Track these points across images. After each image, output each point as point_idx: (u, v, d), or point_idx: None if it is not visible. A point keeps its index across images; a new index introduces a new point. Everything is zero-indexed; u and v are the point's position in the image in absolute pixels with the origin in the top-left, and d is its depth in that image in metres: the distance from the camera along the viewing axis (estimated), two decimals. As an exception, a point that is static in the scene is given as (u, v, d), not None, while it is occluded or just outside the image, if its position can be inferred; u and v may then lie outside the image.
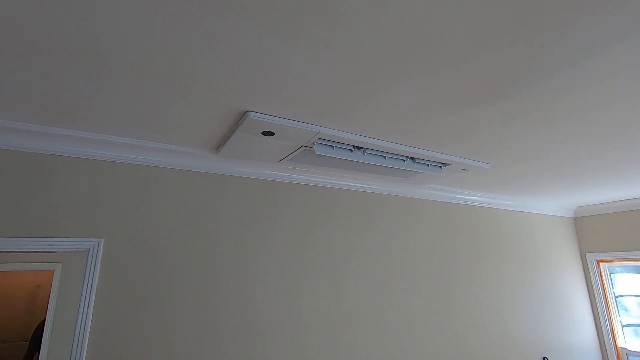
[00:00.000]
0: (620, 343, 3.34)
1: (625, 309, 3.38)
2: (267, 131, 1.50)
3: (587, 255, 3.63)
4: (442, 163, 2.04)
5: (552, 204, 3.52)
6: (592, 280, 3.54)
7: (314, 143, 1.64)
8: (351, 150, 1.75)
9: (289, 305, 1.94)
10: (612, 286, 3.48)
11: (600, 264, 3.56)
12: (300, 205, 2.14)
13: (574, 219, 3.81)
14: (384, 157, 1.85)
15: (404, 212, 2.58)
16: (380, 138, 1.70)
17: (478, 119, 1.50)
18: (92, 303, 1.51)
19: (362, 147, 1.76)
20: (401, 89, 1.23)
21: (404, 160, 1.92)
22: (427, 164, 2.01)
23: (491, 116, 1.48)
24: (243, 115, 1.42)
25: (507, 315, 2.85)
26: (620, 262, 3.43)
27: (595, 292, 3.50)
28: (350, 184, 2.37)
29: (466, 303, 2.65)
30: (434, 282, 2.54)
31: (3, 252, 1.46)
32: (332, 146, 1.69)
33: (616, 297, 3.44)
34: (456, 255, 2.75)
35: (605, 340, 3.39)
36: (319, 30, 0.93)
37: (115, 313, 1.54)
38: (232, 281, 1.82)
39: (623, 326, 3.35)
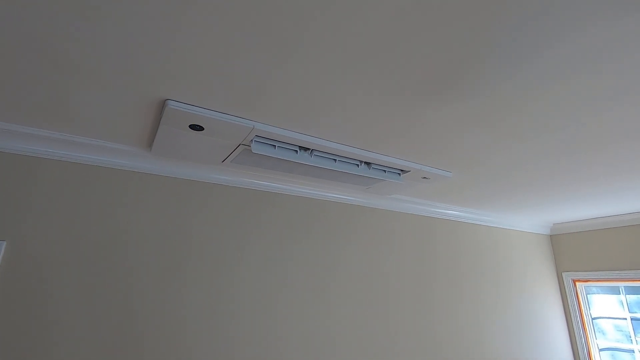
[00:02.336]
0: (598, 368, 3.18)
1: (602, 332, 3.23)
2: (195, 124, 1.35)
3: (564, 274, 3.50)
4: (401, 170, 1.90)
5: (527, 220, 3.40)
6: (569, 301, 3.40)
7: (251, 141, 1.48)
8: (296, 151, 1.60)
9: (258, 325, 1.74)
10: (589, 307, 3.34)
11: (577, 283, 3.43)
12: (266, 215, 1.97)
13: (550, 236, 3.70)
14: (335, 160, 1.70)
15: (378, 225, 2.42)
16: (330, 139, 1.56)
17: (432, 120, 1.36)
18: (-18, 317, 1.30)
19: (309, 149, 1.61)
20: (340, 78, 1.09)
21: (358, 165, 1.77)
22: (384, 170, 1.87)
23: (445, 118, 1.34)
24: (163, 104, 1.26)
25: (485, 335, 2.67)
26: (597, 282, 3.31)
27: (572, 314, 3.36)
28: (316, 192, 2.21)
29: (444, 320, 2.47)
30: (410, 298, 2.36)
31: None
32: (274, 145, 1.54)
33: (593, 319, 3.30)
34: (434, 271, 2.59)
35: (582, 364, 3.22)
36: (254, 12, 0.79)
37: (11, 329, 1.33)
38: (159, 298, 1.62)
39: (600, 350, 3.20)
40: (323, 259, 2.14)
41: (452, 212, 2.88)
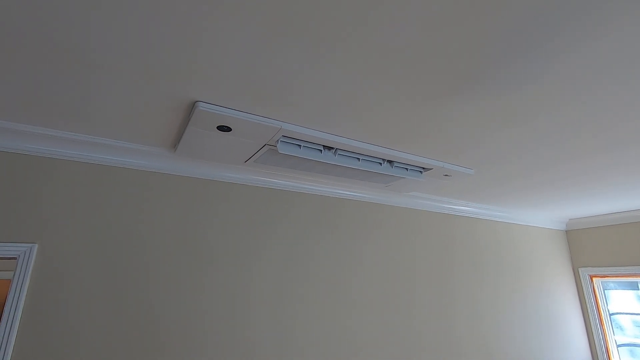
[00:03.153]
0: (616, 364, 3.16)
1: (620, 328, 3.21)
2: (223, 126, 1.35)
3: (580, 270, 3.47)
4: (423, 167, 1.89)
5: (543, 216, 3.38)
6: (586, 297, 3.38)
7: (277, 141, 1.48)
8: (321, 150, 1.60)
9: (277, 326, 1.75)
10: (607, 303, 3.32)
11: (594, 279, 3.40)
12: (286, 213, 1.97)
13: (566, 232, 3.67)
14: (358, 159, 1.70)
15: (397, 223, 2.42)
16: (353, 138, 1.55)
17: (458, 118, 1.35)
18: (18, 319, 1.32)
19: (333, 148, 1.61)
20: (369, 78, 1.09)
21: (381, 164, 1.77)
22: (407, 168, 1.86)
23: (471, 116, 1.33)
24: (193, 106, 1.26)
25: (504, 330, 2.67)
26: (614, 278, 3.28)
27: (589, 309, 3.34)
28: (338, 191, 2.21)
29: (465, 316, 2.47)
30: (431, 294, 2.36)
31: None
32: (299, 145, 1.53)
33: (610, 314, 3.28)
34: (453, 267, 2.58)
35: (599, 360, 3.21)
36: (284, 12, 0.78)
37: (43, 332, 1.35)
38: (178, 298, 1.64)
39: (618, 346, 3.18)
40: (343, 257, 2.14)
41: (470, 208, 2.86)
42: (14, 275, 1.36)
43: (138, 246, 1.59)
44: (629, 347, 3.13)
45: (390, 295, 2.25)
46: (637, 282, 3.18)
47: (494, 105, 1.27)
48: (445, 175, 1.98)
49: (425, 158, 1.78)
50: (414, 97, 1.21)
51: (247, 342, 1.70)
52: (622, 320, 3.22)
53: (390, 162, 1.79)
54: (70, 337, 1.38)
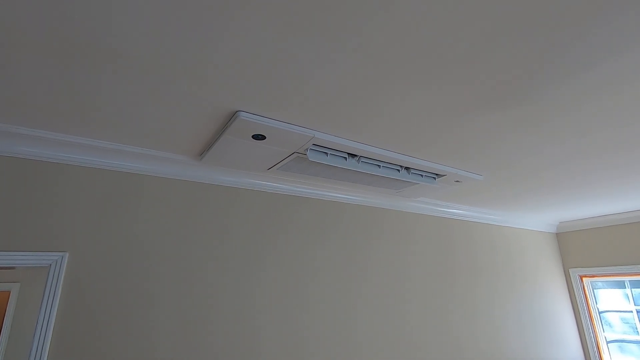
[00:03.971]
0: (606, 359, 3.32)
1: (610, 325, 3.38)
2: (258, 134, 1.39)
3: (571, 270, 3.64)
4: (436, 174, 1.97)
5: (536, 219, 3.54)
6: (576, 296, 3.55)
7: (307, 149, 1.53)
8: (345, 158, 1.66)
9: (288, 329, 1.78)
10: (596, 302, 3.49)
11: (584, 279, 3.58)
12: (294, 219, 2.01)
13: (557, 234, 3.85)
14: (379, 166, 1.76)
15: (397, 226, 2.49)
16: (377, 145, 1.62)
17: (478, 126, 1.44)
18: (51, 327, 1.31)
19: (356, 155, 1.67)
20: (406, 93, 1.16)
21: (399, 170, 1.84)
22: (422, 175, 1.94)
23: (490, 124, 1.43)
24: (233, 115, 1.30)
25: (500, 330, 2.77)
26: (603, 278, 3.46)
27: (580, 308, 3.50)
28: (342, 196, 2.27)
29: (462, 317, 2.56)
30: (430, 297, 2.44)
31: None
32: (326, 153, 1.59)
33: (600, 312, 3.45)
34: (452, 270, 2.67)
35: (591, 356, 3.36)
36: (327, 25, 0.84)
37: (77, 339, 1.35)
38: (222, 305, 1.65)
39: (608, 342, 3.34)
40: (348, 261, 2.20)
41: (466, 212, 2.98)
42: (45, 284, 1.36)
43: (158, 254, 1.60)
44: (618, 343, 3.30)
45: (393, 297, 2.31)
46: (624, 281, 3.36)
47: (514, 113, 1.36)
48: (457, 181, 2.07)
49: (440, 165, 1.87)
50: (444, 108, 1.29)
51: (253, 343, 1.73)
52: (611, 317, 3.39)
53: (407, 168, 1.87)
54: (103, 345, 1.38)
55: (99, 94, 1.15)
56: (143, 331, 1.46)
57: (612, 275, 3.38)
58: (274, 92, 1.16)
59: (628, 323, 3.29)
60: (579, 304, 3.52)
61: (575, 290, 3.57)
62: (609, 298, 3.44)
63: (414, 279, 2.44)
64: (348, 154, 1.65)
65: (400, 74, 1.08)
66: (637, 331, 3.21)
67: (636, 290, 3.28)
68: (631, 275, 3.26)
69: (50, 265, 1.37)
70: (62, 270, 1.38)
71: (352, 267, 2.17)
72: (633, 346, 3.21)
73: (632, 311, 3.28)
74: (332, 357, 1.90)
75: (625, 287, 3.35)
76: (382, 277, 2.28)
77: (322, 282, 2.01)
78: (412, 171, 1.88)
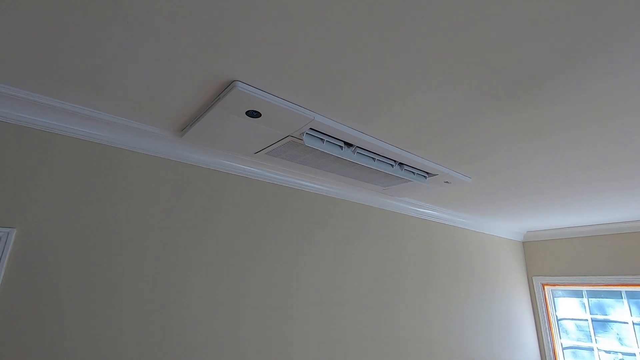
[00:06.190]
0: (560, 365, 3.47)
1: (566, 332, 3.53)
2: (254, 111, 1.25)
3: (534, 278, 3.77)
4: (428, 173, 1.92)
5: (505, 226, 3.62)
6: (538, 303, 3.68)
7: (303, 133, 1.41)
8: (341, 147, 1.55)
9: (277, 330, 1.65)
10: (555, 309, 3.64)
11: (545, 287, 3.72)
12: (280, 211, 1.88)
13: (523, 242, 3.97)
14: (374, 159, 1.68)
15: (381, 225, 2.43)
16: (377, 137, 1.53)
17: (486, 127, 1.39)
18: (-10, 316, 1.10)
19: (352, 145, 1.58)
20: (424, 90, 1.07)
21: (392, 166, 1.77)
22: (414, 172, 1.88)
23: (498, 126, 1.38)
24: (228, 85, 1.16)
25: (468, 330, 2.79)
26: (563, 287, 3.61)
27: (540, 315, 3.63)
28: (327, 188, 2.16)
29: (436, 321, 2.54)
30: (410, 298, 2.40)
31: None
32: (322, 139, 1.48)
33: (558, 319, 3.60)
34: (428, 271, 2.65)
35: (547, 362, 3.50)
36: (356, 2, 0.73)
37: (16, 326, 1.14)
38: (168, 295, 1.49)
39: (564, 348, 3.49)
40: (335, 257, 2.10)
41: (445, 215, 2.98)
42: (-15, 264, 1.14)
43: (127, 233, 1.42)
44: (572, 349, 3.45)
45: (377, 296, 2.25)
46: (582, 290, 3.52)
47: (519, 119, 1.32)
48: (446, 182, 2.03)
49: (434, 163, 1.82)
50: (456, 104, 1.22)
51: (236, 339, 1.59)
52: (568, 325, 3.54)
53: (401, 164, 1.80)
54: (52, 326, 1.19)
55: (78, 47, 0.96)
56: (100, 322, 1.28)
57: (572, 285, 3.53)
58: (279, 64, 1.03)
59: (582, 330, 3.45)
60: (539, 311, 3.65)
61: (537, 297, 3.70)
62: (566, 306, 3.59)
63: (399, 278, 2.39)
64: (345, 143, 1.55)
65: (420, 69, 0.99)
66: (591, 338, 3.37)
67: (592, 300, 3.45)
68: (589, 285, 3.42)
69: (-7, 242, 1.16)
70: (7, 247, 1.17)
71: (336, 264, 2.07)
72: (586, 352, 3.37)
73: (587, 319, 3.44)
74: (315, 353, 1.79)
75: (582, 297, 3.51)
76: (369, 276, 2.20)
77: (308, 278, 1.90)
78: (405, 167, 1.81)
